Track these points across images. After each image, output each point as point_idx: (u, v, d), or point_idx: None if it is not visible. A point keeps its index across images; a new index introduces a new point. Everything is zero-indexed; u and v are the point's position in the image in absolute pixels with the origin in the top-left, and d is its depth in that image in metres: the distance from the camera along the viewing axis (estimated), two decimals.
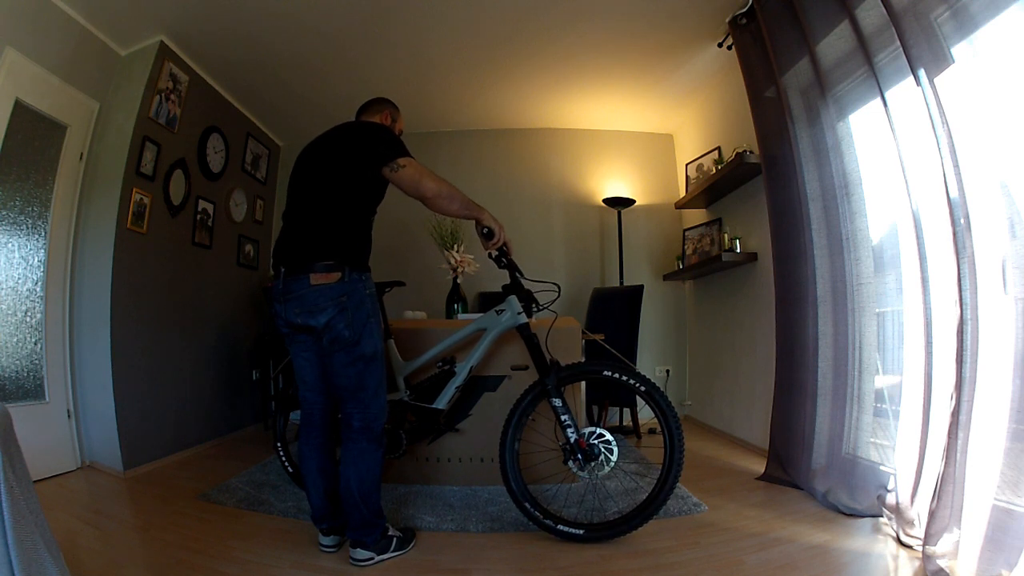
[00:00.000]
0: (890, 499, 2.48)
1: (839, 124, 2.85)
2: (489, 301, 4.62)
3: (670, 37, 3.97)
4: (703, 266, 4.54)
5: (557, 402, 2.45)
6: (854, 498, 2.67)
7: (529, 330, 2.59)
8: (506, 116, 5.44)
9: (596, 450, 2.44)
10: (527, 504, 2.43)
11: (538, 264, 5.33)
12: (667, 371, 5.38)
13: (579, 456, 2.42)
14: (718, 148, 4.52)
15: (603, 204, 5.37)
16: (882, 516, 2.53)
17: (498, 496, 2.95)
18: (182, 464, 3.74)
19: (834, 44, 2.78)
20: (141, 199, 3.63)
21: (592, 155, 5.67)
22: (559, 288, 2.75)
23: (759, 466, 3.47)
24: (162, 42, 3.78)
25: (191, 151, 4.24)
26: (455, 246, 4.04)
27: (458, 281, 3.98)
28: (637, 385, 2.44)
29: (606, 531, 2.41)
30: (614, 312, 4.56)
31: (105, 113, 3.67)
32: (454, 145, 5.72)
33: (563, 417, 2.44)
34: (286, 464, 3.10)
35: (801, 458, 3.04)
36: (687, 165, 5.00)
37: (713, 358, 4.82)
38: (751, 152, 3.74)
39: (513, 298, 2.69)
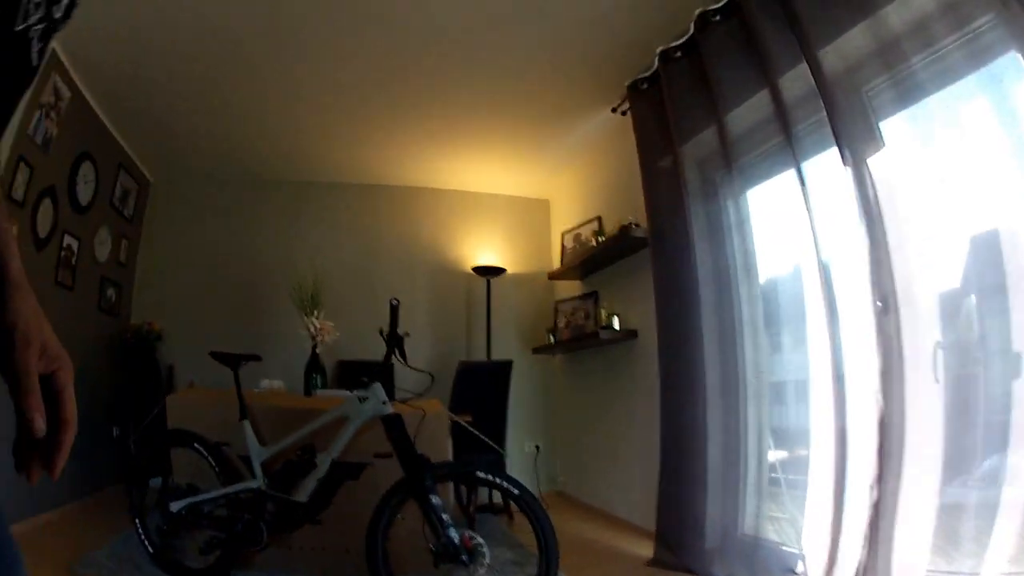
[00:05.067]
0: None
1: (741, 198, 2.79)
2: (349, 371, 4.33)
3: (561, 99, 3.86)
4: (577, 341, 4.34)
5: (436, 500, 2.27)
6: None
7: (398, 423, 2.42)
8: (375, 170, 5.14)
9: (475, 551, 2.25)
10: None
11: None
12: (537, 446, 5.06)
13: (464, 558, 2.20)
14: (598, 218, 4.41)
15: (472, 272, 5.09)
16: None
17: None
18: (47, 527, 3.42)
19: (745, 115, 2.70)
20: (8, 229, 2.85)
21: (464, 218, 5.43)
22: (433, 377, 2.66)
23: (645, 548, 3.21)
24: (53, 49, 3.02)
25: (62, 178, 3.74)
26: (315, 312, 3.82)
27: (317, 351, 3.75)
28: (511, 490, 2.33)
29: None
30: (482, 388, 4.19)
31: None
32: (320, 197, 5.36)
33: (444, 516, 2.26)
34: (145, 542, 2.79)
35: (695, 542, 2.84)
36: (564, 234, 4.85)
37: (587, 435, 4.61)
38: (637, 225, 3.63)
39: (378, 386, 2.57)
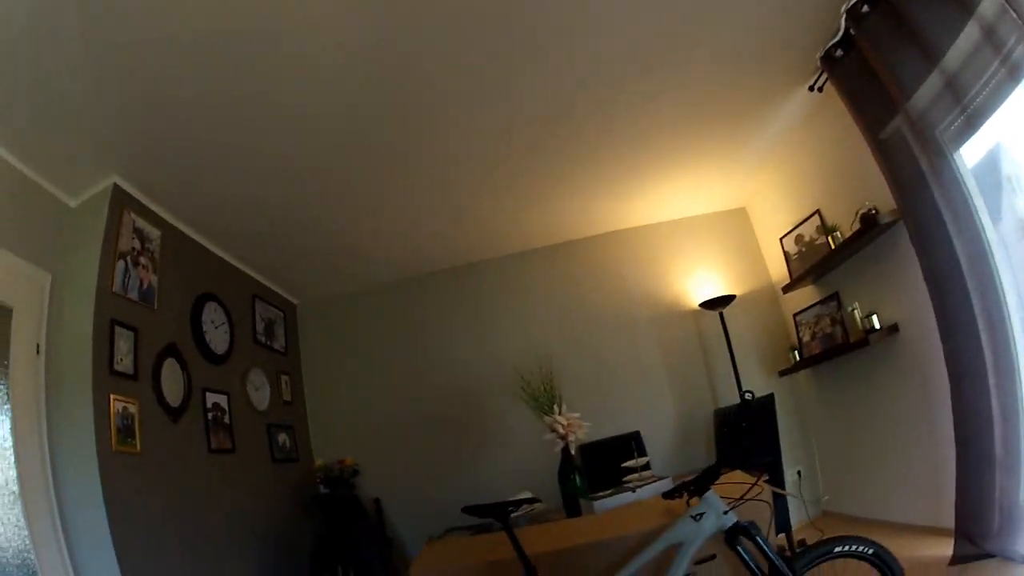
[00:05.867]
0: None
1: (973, 145, 2.48)
2: (596, 455, 4.01)
3: (746, 98, 3.45)
4: (831, 352, 3.79)
5: None
6: None
7: (753, 531, 2.01)
8: (562, 228, 4.78)
9: None
10: None
11: (639, 398, 4.65)
12: (799, 472, 4.42)
13: None
14: (817, 212, 3.87)
15: (699, 308, 4.62)
16: None
17: None
18: None
19: (958, 53, 2.29)
20: (125, 407, 2.63)
21: (664, 252, 4.96)
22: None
23: (938, 547, 2.95)
24: (116, 185, 2.84)
25: (183, 331, 3.25)
26: (555, 406, 3.34)
27: (571, 451, 3.28)
28: (866, 551, 2.14)
29: None
30: (748, 432, 3.75)
31: (59, 288, 2.68)
32: (501, 272, 4.99)
33: None
34: None
35: (999, 526, 2.59)
36: (782, 239, 4.32)
37: (849, 445, 4.10)
38: (875, 210, 3.11)
39: (712, 495, 2.12)
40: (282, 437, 4.12)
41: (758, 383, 4.48)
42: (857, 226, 3.27)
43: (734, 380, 4.40)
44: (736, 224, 4.98)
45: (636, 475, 3.53)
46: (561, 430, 3.19)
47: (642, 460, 3.61)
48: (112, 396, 2.58)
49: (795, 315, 4.25)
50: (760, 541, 1.98)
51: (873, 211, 3.13)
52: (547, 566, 2.23)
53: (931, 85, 2.46)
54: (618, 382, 4.68)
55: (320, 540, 3.99)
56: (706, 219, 5.01)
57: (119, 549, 2.43)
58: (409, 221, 4.11)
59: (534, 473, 3.98)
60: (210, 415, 3.31)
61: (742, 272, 4.83)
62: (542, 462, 3.63)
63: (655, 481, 3.17)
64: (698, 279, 4.80)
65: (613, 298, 4.89)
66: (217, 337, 3.56)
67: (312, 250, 4.20)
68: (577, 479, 3.22)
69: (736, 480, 2.31)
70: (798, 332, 4.22)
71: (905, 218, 2.83)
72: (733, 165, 4.29)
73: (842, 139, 3.33)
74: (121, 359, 2.68)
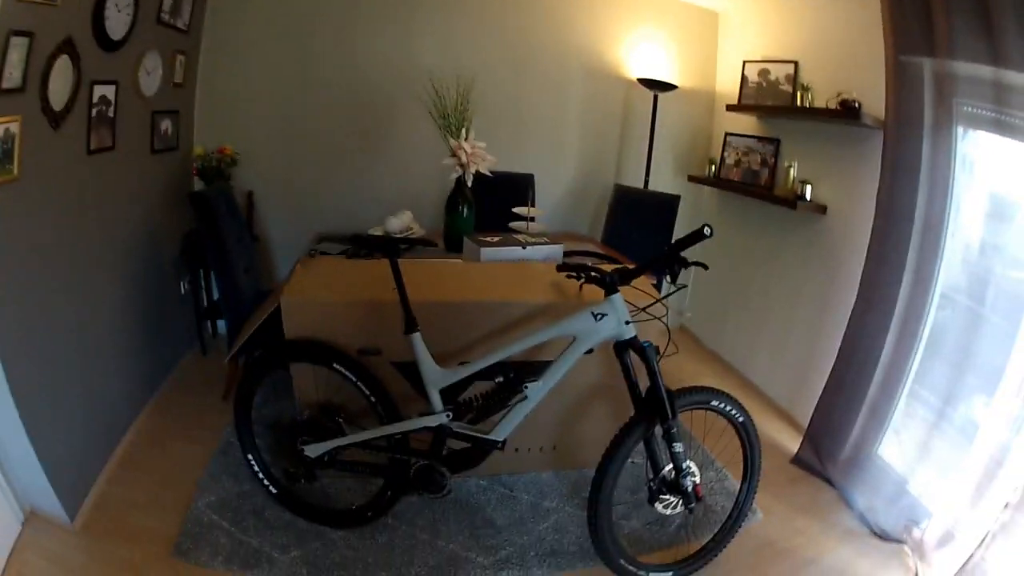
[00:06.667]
0: (916, 533, 2.47)
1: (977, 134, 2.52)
2: (486, 190, 3.50)
3: None
4: (745, 187, 4.13)
5: (679, 447, 2.06)
6: (888, 519, 2.63)
7: (648, 353, 2.00)
8: None
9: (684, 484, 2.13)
10: (622, 561, 2.26)
11: (544, 143, 4.72)
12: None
13: (692, 500, 2.13)
14: (795, 63, 3.83)
15: (635, 81, 4.55)
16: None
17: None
18: (125, 474, 2.77)
19: None
20: (6, 129, 2.22)
21: (619, 15, 4.61)
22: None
23: (782, 434, 3.40)
24: None
25: (83, 21, 2.65)
26: (464, 131, 3.13)
27: (467, 183, 3.16)
28: (738, 417, 2.25)
29: (694, 563, 2.34)
30: (642, 223, 4.16)
31: None
32: None
33: (685, 465, 2.09)
34: (266, 483, 2.43)
35: (842, 459, 2.93)
36: (745, 63, 4.26)
37: (731, 286, 4.50)
38: (859, 104, 3.13)
39: (618, 298, 2.04)
40: (165, 124, 3.67)
41: (665, 179, 4.79)
42: (835, 105, 3.29)
43: (644, 164, 4.61)
44: (702, 22, 4.71)
45: (524, 224, 3.52)
46: (464, 158, 3.06)
47: (535, 211, 3.60)
48: None
49: (728, 134, 4.42)
50: (654, 366, 2.00)
51: (857, 104, 3.15)
52: (428, 317, 2.17)
53: (980, 71, 2.34)
54: (528, 121, 4.63)
55: (186, 239, 3.81)
56: (674, 4, 4.65)
57: None
58: None
59: (420, 194, 4.04)
60: (94, 111, 2.86)
61: (690, 69, 4.73)
62: (432, 186, 3.64)
63: (547, 244, 3.16)
64: (643, 55, 4.64)
65: (549, 39, 4.54)
66: (119, 22, 2.90)
67: None
68: (465, 213, 3.22)
69: (639, 287, 2.28)
70: (724, 150, 4.43)
71: (886, 140, 2.80)
72: None
73: (860, 27, 3.15)
74: (10, 74, 2.22)
